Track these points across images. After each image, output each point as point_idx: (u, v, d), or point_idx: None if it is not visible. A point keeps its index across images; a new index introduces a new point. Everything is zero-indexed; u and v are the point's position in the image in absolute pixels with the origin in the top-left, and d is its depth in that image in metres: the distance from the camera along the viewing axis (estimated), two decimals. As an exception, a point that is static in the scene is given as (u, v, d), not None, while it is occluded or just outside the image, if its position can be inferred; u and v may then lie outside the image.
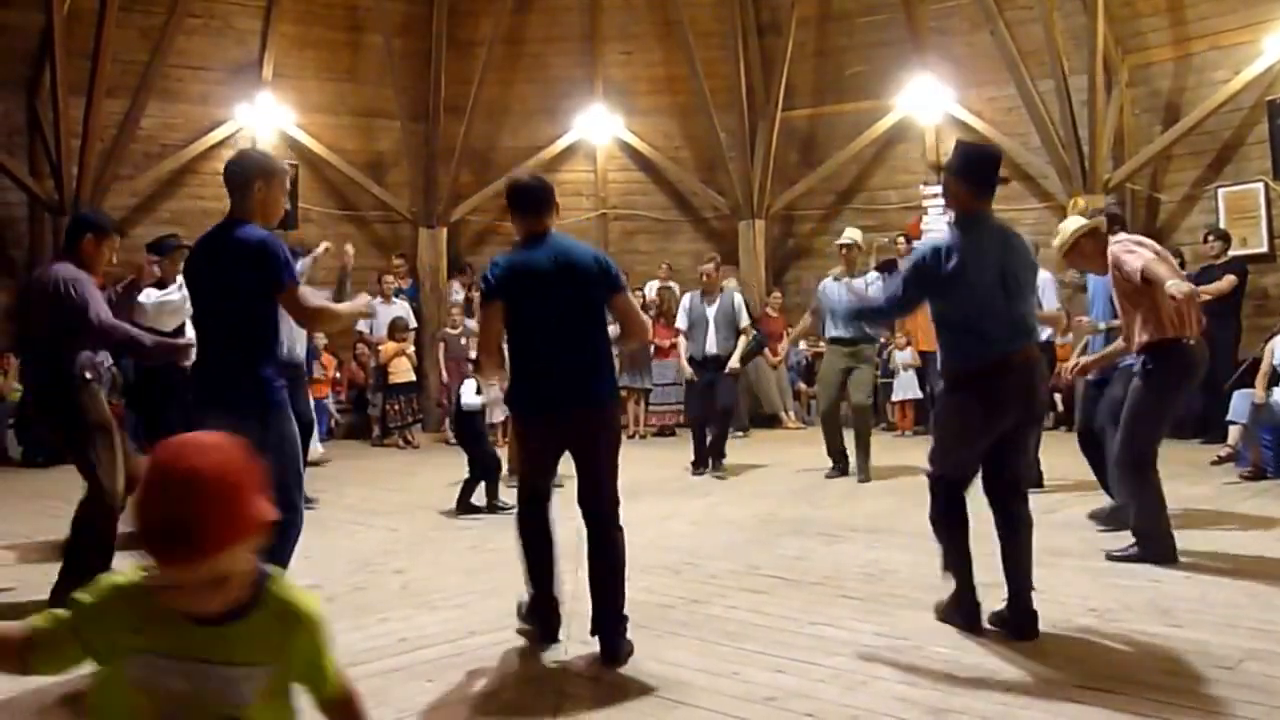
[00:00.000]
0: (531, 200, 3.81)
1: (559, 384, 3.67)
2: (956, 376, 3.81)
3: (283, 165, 4.06)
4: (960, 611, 3.76)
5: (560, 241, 3.80)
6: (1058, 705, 3.00)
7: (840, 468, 7.91)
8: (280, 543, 3.54)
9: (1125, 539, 4.85)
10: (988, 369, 3.70)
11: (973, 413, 3.73)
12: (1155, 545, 4.66)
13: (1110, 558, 4.73)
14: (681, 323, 8.67)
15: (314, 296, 3.86)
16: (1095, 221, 5.19)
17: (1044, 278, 6.94)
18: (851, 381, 7.76)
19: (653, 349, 11.53)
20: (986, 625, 3.73)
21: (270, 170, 3.79)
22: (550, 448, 3.79)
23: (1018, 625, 3.68)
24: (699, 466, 8.42)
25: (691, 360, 8.52)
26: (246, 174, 3.71)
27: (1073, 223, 5.21)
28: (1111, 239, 4.92)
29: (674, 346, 11.51)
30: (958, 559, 3.77)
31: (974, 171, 3.87)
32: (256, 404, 3.51)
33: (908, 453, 8.51)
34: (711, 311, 8.38)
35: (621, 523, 3.74)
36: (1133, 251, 4.66)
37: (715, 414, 8.38)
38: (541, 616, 3.78)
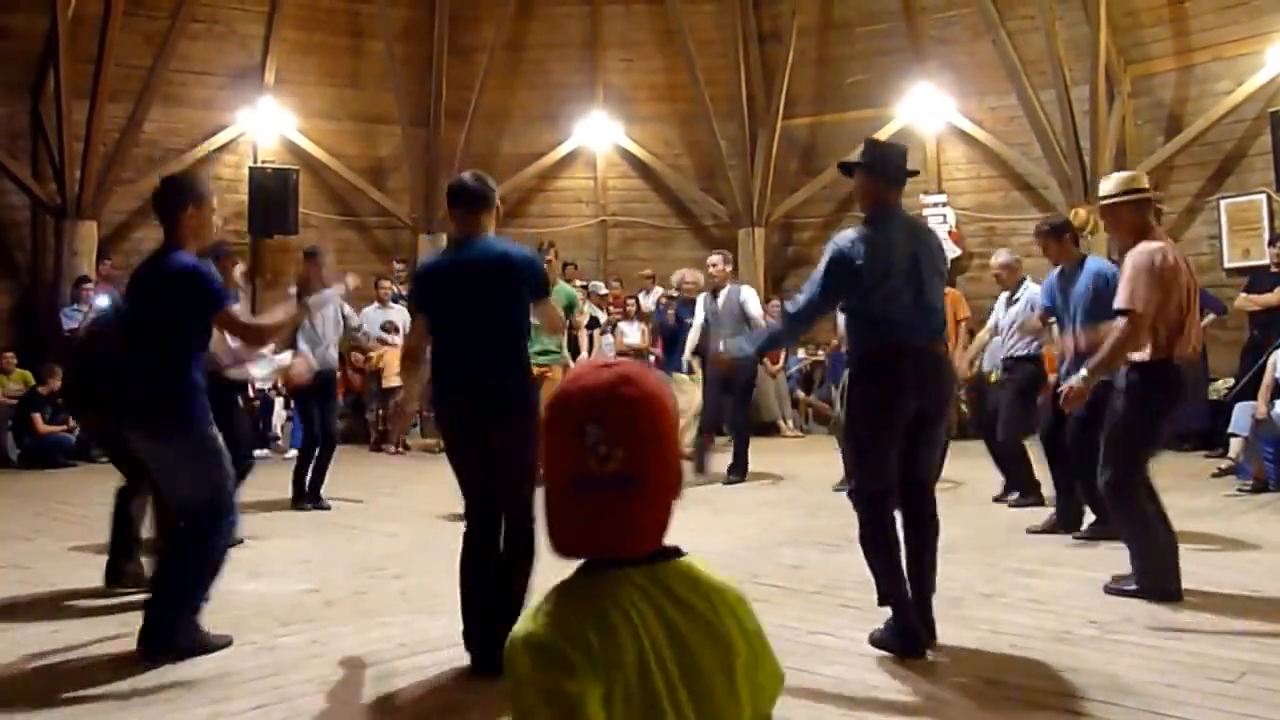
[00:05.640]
0: (464, 199, 3.78)
1: (481, 390, 3.59)
2: (861, 361, 3.82)
3: (209, 189, 4.05)
4: (901, 637, 3.61)
5: (489, 244, 3.72)
6: (1057, 716, 2.99)
7: None
8: (202, 551, 3.75)
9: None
10: (891, 352, 3.69)
11: (878, 400, 3.71)
12: (1154, 581, 4.23)
13: (1107, 590, 4.37)
14: (698, 319, 8.59)
15: (246, 315, 3.94)
16: (1154, 195, 4.67)
17: (1033, 290, 6.86)
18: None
19: (651, 359, 11.51)
20: (930, 652, 3.59)
21: (200, 195, 3.89)
22: (478, 458, 3.62)
23: (915, 635, 3.58)
24: (738, 472, 8.19)
25: (703, 356, 8.47)
26: (178, 200, 3.84)
27: (1131, 179, 4.58)
28: (1148, 239, 4.37)
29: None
30: (894, 581, 3.67)
31: (885, 167, 3.88)
32: (181, 415, 3.72)
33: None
34: (718, 307, 8.27)
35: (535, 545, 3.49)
36: (1148, 271, 4.23)
37: (731, 418, 8.31)
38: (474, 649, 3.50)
